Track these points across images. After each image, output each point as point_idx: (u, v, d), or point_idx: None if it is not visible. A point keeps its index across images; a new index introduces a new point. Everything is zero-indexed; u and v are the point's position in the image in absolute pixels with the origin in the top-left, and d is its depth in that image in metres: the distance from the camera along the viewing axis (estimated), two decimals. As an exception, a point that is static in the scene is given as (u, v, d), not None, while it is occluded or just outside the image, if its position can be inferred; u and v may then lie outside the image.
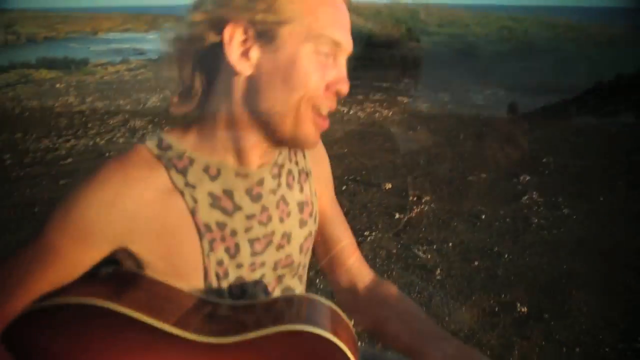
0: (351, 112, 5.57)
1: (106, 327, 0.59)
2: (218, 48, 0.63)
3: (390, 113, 5.50)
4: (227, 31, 0.62)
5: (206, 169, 0.68)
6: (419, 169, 3.72)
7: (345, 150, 4.24)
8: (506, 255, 2.46)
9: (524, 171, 3.52)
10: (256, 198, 0.72)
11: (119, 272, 0.66)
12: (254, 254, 0.72)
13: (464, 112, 5.56)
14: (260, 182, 0.72)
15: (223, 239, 0.69)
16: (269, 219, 0.73)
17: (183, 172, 0.66)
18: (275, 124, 0.66)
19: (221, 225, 0.68)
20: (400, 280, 2.30)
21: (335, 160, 4.00)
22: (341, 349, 0.58)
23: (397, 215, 2.89)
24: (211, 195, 0.68)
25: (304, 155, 0.82)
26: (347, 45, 0.66)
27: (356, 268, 0.86)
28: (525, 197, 3.13)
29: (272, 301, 0.67)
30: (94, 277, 0.64)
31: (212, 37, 0.63)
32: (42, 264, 0.62)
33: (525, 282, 2.26)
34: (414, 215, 2.91)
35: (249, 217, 0.71)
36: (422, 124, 5.05)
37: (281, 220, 0.75)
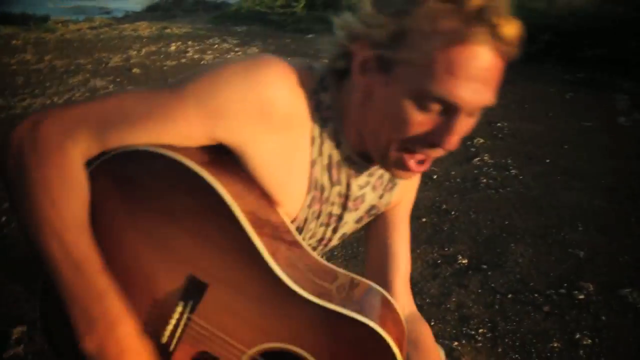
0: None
1: (195, 199, 0.62)
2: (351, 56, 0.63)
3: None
4: (358, 43, 0.61)
5: (336, 134, 0.69)
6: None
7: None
8: (452, 212, 2.59)
9: (477, 135, 3.64)
10: (349, 182, 0.75)
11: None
12: (320, 224, 0.77)
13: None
14: (350, 190, 0.76)
15: (319, 201, 0.73)
16: (345, 206, 0.77)
17: (324, 122, 0.67)
18: (368, 143, 0.67)
19: (322, 189, 0.72)
20: (354, 234, 2.40)
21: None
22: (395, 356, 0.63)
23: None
24: (330, 158, 0.70)
25: (396, 197, 0.85)
26: (471, 105, 0.59)
27: (399, 293, 0.83)
28: (477, 159, 3.26)
29: (353, 281, 0.70)
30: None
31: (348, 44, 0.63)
32: (163, 119, 0.61)
33: (468, 236, 2.39)
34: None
35: (339, 194, 0.75)
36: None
37: (350, 211, 0.78)
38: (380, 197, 0.82)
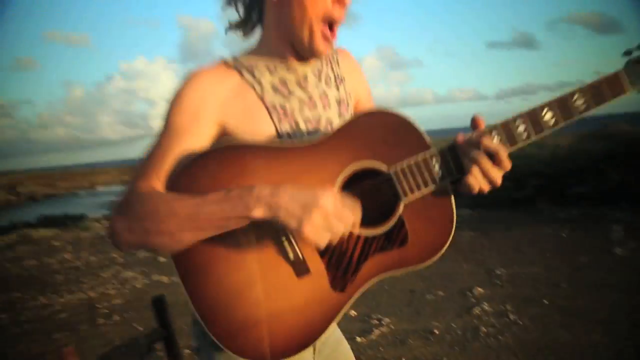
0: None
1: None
2: None
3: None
4: None
5: (267, 67, 1.03)
6: (384, 293, 4.06)
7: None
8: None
9: (477, 284, 3.87)
10: (303, 88, 1.04)
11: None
12: (308, 132, 1.02)
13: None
14: (305, 77, 1.05)
15: (285, 116, 1.00)
16: (315, 105, 1.05)
17: (250, 71, 1.01)
18: (295, 39, 0.98)
19: (282, 106, 1.01)
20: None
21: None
22: (410, 121, 0.95)
23: (358, 339, 3.18)
24: (272, 84, 1.01)
25: (339, 65, 1.13)
26: None
27: None
28: (477, 308, 3.45)
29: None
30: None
31: None
32: (180, 140, 0.94)
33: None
34: (374, 337, 3.20)
35: (300, 100, 1.03)
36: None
37: (324, 108, 1.06)
38: (337, 89, 1.10)
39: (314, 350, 1.10)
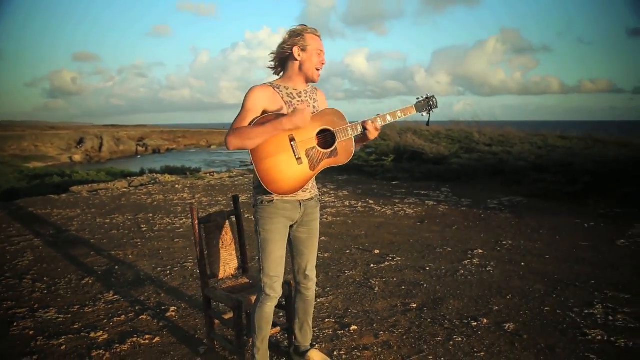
0: (382, 210, 7.31)
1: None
2: (290, 53, 2.33)
3: (413, 212, 7.15)
4: (295, 49, 2.31)
5: (286, 87, 2.37)
6: (406, 245, 5.32)
7: (363, 232, 5.96)
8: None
9: (480, 248, 4.96)
10: (301, 97, 2.38)
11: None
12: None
13: (472, 210, 7.03)
14: (300, 93, 2.38)
15: (292, 106, 2.30)
16: (308, 105, 2.38)
17: (279, 88, 2.34)
18: (306, 74, 2.36)
19: (289, 103, 2.32)
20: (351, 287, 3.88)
21: (351, 239, 5.73)
22: (341, 112, 2.39)
23: (372, 266, 4.52)
24: (288, 94, 2.34)
25: (316, 94, 2.46)
26: (320, 48, 2.34)
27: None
28: (467, 261, 4.59)
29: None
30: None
31: (289, 50, 2.33)
32: (246, 112, 2.24)
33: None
34: (382, 266, 4.52)
35: (298, 102, 2.35)
36: (430, 219, 6.65)
37: (308, 106, 2.36)
38: (315, 102, 2.43)
39: (300, 205, 2.48)
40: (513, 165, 9.40)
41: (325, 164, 2.36)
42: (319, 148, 2.33)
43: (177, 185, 10.46)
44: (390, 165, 11.59)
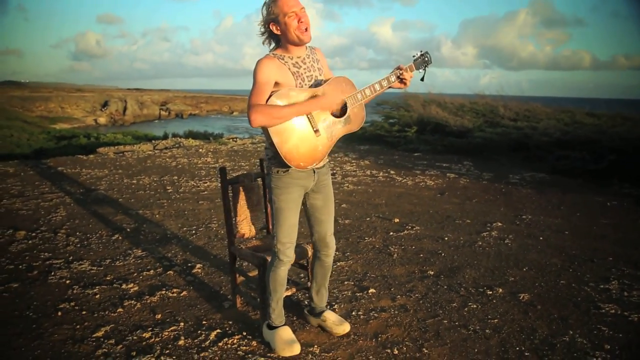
0: (403, 180, 7.36)
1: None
2: (270, 31, 2.32)
3: (433, 184, 7.19)
4: (271, 26, 2.30)
5: (290, 57, 2.34)
6: (426, 215, 5.39)
7: (383, 201, 6.04)
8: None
9: (499, 221, 5.00)
10: (304, 63, 2.36)
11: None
12: (308, 82, 2.36)
13: (494, 184, 7.02)
14: (302, 59, 2.36)
15: (299, 75, 2.32)
16: (309, 70, 2.37)
17: (283, 58, 2.32)
18: (293, 41, 2.29)
19: (297, 73, 2.32)
20: (371, 255, 4.00)
21: (371, 207, 5.81)
22: (350, 80, 2.44)
23: (392, 234, 4.62)
24: (293, 63, 2.33)
25: (316, 54, 2.44)
26: (299, 8, 2.25)
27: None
28: (485, 233, 4.65)
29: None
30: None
31: (267, 29, 2.33)
32: (262, 86, 2.22)
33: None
34: (402, 234, 4.62)
35: (304, 69, 2.35)
36: (450, 191, 6.68)
37: (313, 72, 2.38)
38: (317, 63, 2.42)
39: (314, 173, 2.54)
40: (537, 140, 9.29)
41: (341, 131, 2.43)
42: (333, 117, 2.41)
43: (200, 150, 10.63)
44: (412, 137, 11.54)
